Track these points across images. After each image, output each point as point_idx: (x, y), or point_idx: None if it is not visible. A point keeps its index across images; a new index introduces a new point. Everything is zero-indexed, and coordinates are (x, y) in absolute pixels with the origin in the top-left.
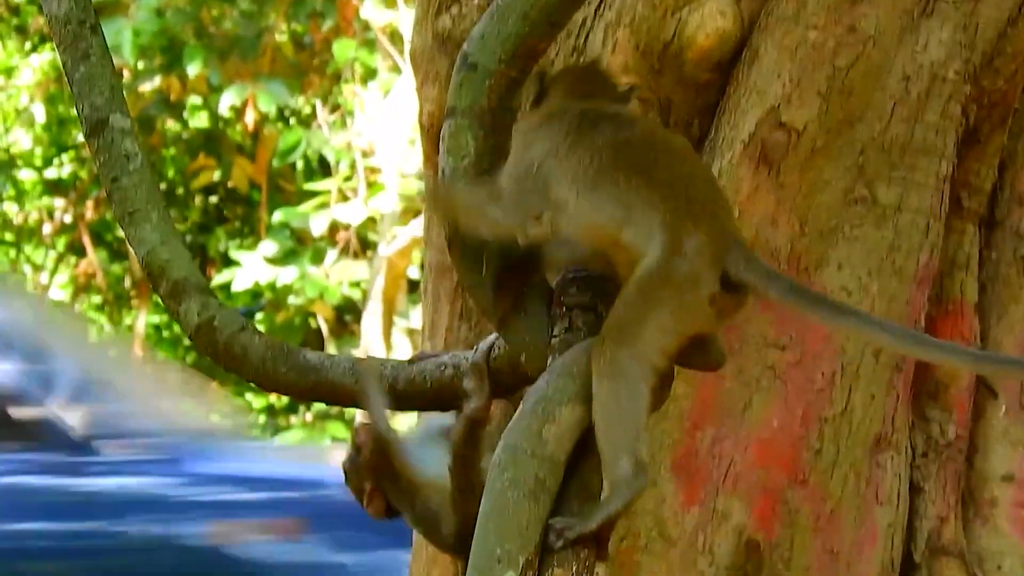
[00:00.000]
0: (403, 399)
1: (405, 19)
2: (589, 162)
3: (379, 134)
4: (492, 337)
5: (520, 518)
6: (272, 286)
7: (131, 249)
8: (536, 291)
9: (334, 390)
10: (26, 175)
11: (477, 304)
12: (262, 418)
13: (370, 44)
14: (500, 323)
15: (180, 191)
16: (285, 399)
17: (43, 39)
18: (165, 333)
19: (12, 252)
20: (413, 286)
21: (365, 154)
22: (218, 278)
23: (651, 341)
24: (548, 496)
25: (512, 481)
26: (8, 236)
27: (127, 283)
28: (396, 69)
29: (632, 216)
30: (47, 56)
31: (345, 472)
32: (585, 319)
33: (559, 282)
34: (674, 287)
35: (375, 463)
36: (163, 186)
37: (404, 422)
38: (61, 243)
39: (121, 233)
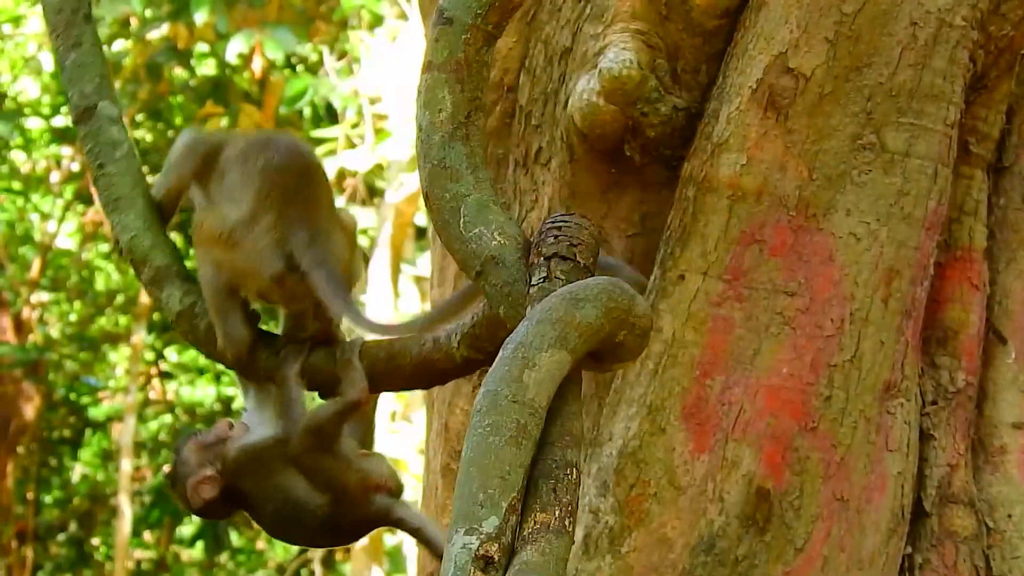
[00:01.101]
0: (382, 379)
1: None
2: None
3: (386, 81)
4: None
5: (502, 463)
6: None
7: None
8: (512, 242)
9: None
10: (34, 123)
11: (454, 257)
12: None
13: None
14: (477, 275)
15: None
16: None
17: None
18: None
19: (20, 200)
20: (421, 233)
21: (372, 101)
22: None
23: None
24: (530, 441)
25: (493, 427)
26: (16, 185)
27: None
28: (403, 16)
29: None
30: None
31: (178, 453)
32: (563, 268)
33: (536, 233)
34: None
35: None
36: (170, 134)
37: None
38: (69, 191)
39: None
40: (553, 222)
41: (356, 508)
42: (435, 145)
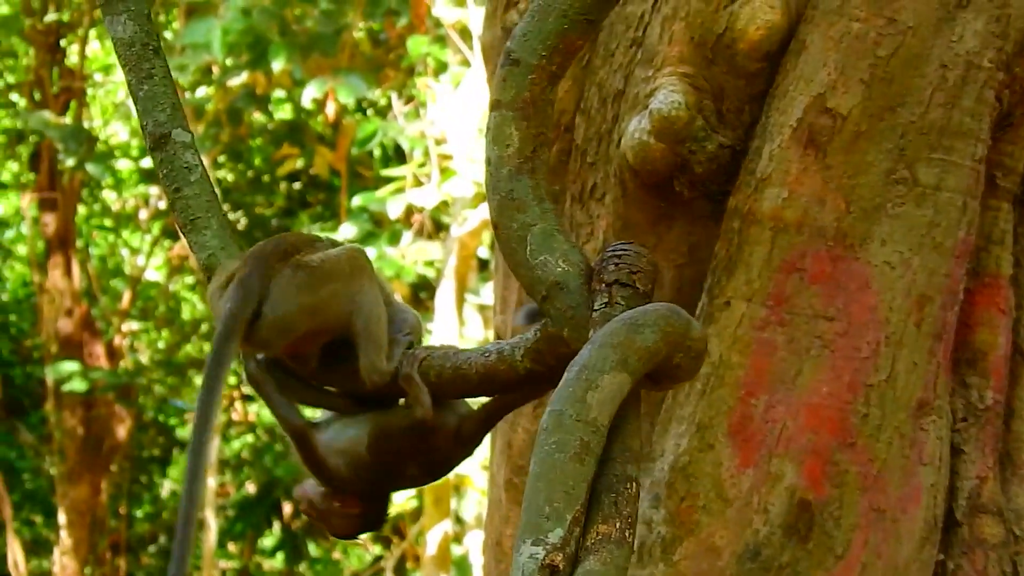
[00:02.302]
0: (447, 387)
1: (474, 16)
2: None
3: (450, 123)
4: (518, 338)
5: (566, 479)
6: None
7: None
8: (575, 269)
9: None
10: (123, 165)
11: (521, 282)
12: None
13: (441, 40)
14: (543, 300)
15: (266, 178)
16: None
17: None
18: None
19: (111, 236)
20: (483, 265)
21: (437, 142)
22: None
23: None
24: (592, 457)
25: (558, 444)
26: (107, 222)
27: None
28: (466, 63)
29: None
30: None
31: (308, 501)
32: (623, 294)
33: (598, 261)
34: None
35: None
36: (250, 174)
37: None
38: (156, 227)
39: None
40: (613, 251)
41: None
42: (503, 178)
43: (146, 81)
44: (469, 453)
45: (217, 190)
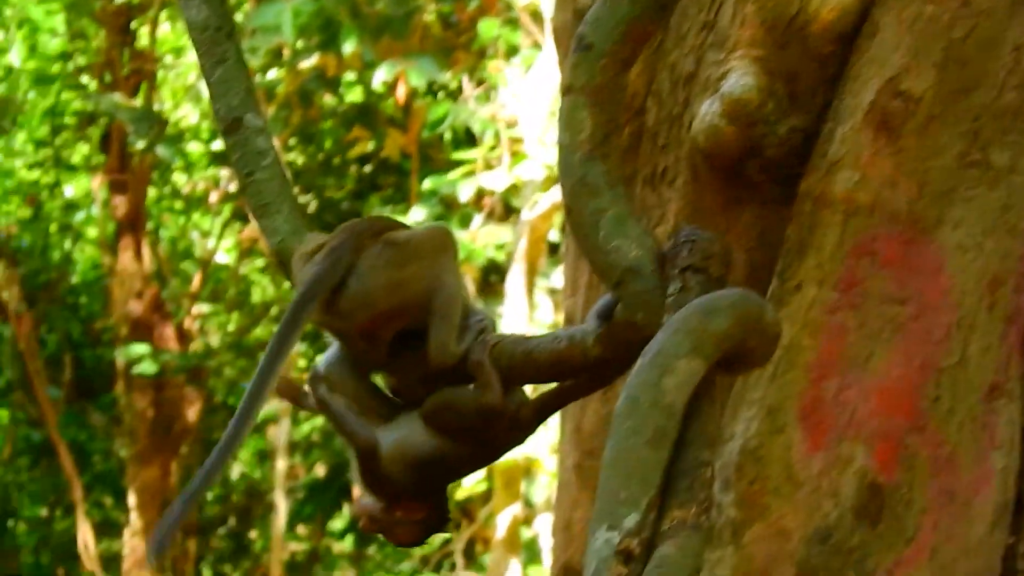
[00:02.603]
0: (518, 372)
1: None
2: None
3: (521, 106)
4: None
5: (642, 464)
6: None
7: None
8: (648, 254)
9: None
10: (194, 147)
11: (594, 268)
12: None
13: (513, 23)
14: (616, 285)
15: (336, 161)
16: None
17: None
18: None
19: (181, 219)
20: (554, 248)
21: (508, 125)
22: None
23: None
24: (668, 442)
25: (633, 429)
26: (178, 204)
27: None
28: (537, 46)
29: None
30: None
31: (369, 516)
32: (696, 279)
33: (670, 246)
34: None
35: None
36: (320, 156)
37: None
38: (227, 210)
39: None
40: (686, 236)
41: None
42: (576, 163)
43: (219, 65)
44: (522, 440)
45: (287, 173)
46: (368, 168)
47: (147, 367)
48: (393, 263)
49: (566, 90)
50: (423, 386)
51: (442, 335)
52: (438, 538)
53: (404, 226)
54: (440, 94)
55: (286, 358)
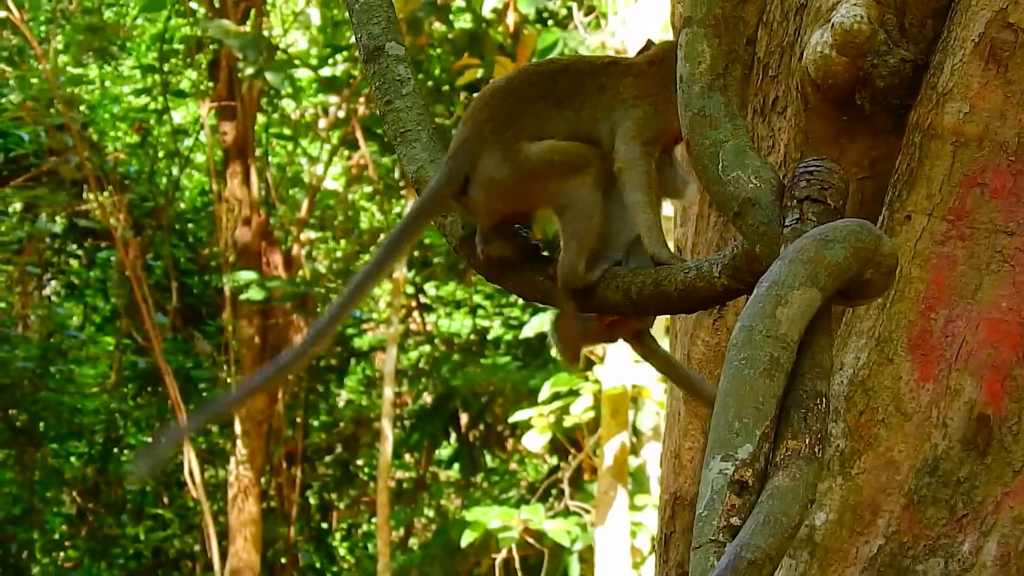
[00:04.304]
0: (647, 303)
1: None
2: None
3: (631, 34)
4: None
5: (756, 394)
6: None
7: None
8: (767, 185)
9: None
10: (303, 74)
11: (712, 198)
12: None
13: None
14: (735, 216)
15: (446, 88)
16: None
17: None
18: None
19: (290, 145)
20: None
21: (618, 52)
22: None
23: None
24: (782, 373)
25: (748, 360)
26: (286, 131)
27: (396, 174)
28: None
29: None
30: None
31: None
32: (814, 210)
33: (790, 177)
34: None
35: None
36: (430, 83)
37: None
38: (335, 137)
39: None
40: (805, 167)
41: None
42: (695, 95)
43: None
44: None
45: (419, 90)
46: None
47: (254, 294)
48: (510, 179)
49: (686, 22)
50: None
51: (571, 257)
52: (545, 467)
53: (547, 96)
54: (550, 22)
55: (400, 251)
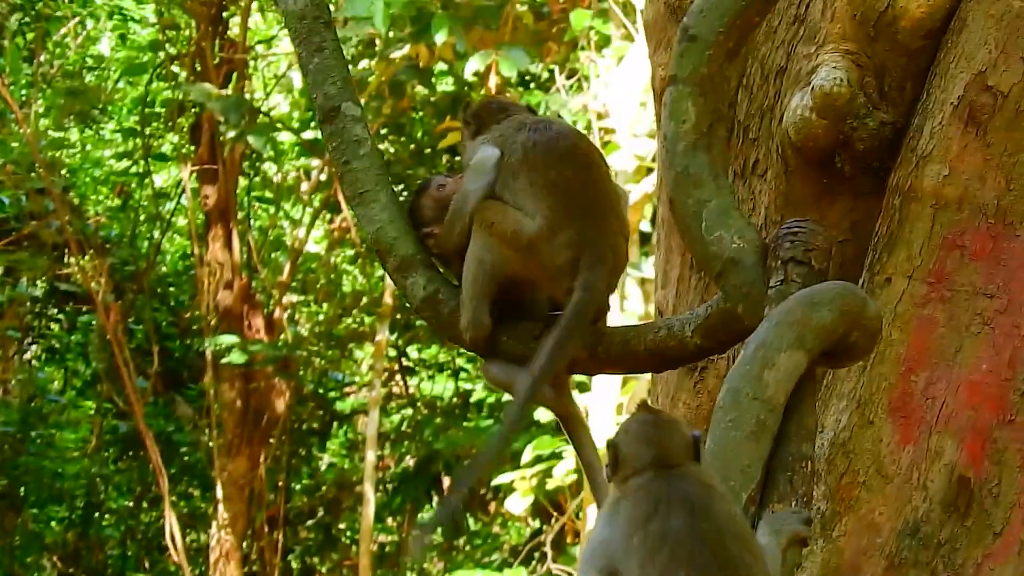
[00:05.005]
0: (617, 361)
1: None
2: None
3: (613, 98)
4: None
5: (742, 457)
6: None
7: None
8: (751, 245)
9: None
10: (285, 137)
11: (695, 258)
12: None
13: (604, 14)
14: (717, 276)
15: (428, 151)
16: None
17: None
18: None
19: (272, 208)
20: (644, 239)
21: (600, 116)
22: None
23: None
24: (768, 436)
25: (735, 422)
26: (268, 194)
27: None
28: (629, 37)
29: None
30: None
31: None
32: (799, 271)
33: (773, 237)
34: None
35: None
36: (412, 146)
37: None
38: (317, 200)
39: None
40: (789, 228)
41: None
42: (679, 153)
43: (317, 54)
44: None
45: (378, 149)
46: (459, 158)
47: (236, 357)
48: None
49: (671, 80)
50: None
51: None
52: (527, 530)
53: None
54: (532, 85)
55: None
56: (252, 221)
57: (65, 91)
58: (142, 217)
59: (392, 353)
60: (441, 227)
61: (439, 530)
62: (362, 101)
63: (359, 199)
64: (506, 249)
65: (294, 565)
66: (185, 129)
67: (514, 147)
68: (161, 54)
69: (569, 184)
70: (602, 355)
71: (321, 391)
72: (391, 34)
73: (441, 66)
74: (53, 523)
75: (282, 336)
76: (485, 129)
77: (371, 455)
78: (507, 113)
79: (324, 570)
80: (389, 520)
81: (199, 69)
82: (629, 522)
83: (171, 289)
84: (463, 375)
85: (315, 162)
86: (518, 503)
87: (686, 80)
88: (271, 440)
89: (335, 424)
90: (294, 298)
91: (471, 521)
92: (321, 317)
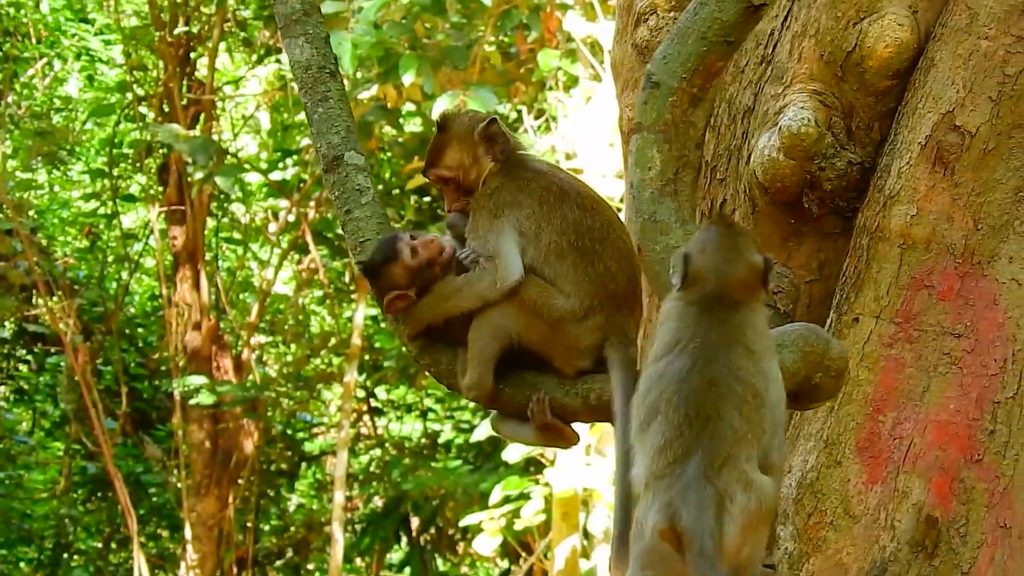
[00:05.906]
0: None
1: (605, 31)
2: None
3: (581, 138)
4: None
5: None
6: None
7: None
8: None
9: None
10: (253, 178)
11: (661, 300)
12: None
13: (572, 54)
14: None
15: (396, 192)
16: None
17: (268, 52)
18: (383, 324)
19: (240, 250)
20: None
21: (568, 156)
22: None
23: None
24: None
25: None
26: (236, 235)
27: (347, 278)
28: (596, 78)
29: None
30: (272, 67)
31: (385, 253)
32: (785, 305)
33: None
34: None
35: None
36: (380, 187)
37: None
38: (285, 241)
39: (341, 231)
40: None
41: None
42: (646, 200)
43: (321, 104)
44: None
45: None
46: (427, 199)
47: (205, 398)
48: None
49: (635, 128)
50: None
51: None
52: (496, 570)
53: None
54: None
55: None
56: (220, 262)
57: (33, 132)
58: (110, 258)
59: (360, 394)
60: (427, 296)
61: (407, 571)
62: None
63: (360, 248)
64: (533, 321)
65: None
66: (153, 170)
67: (559, 223)
68: (129, 95)
69: (615, 277)
70: (594, 403)
71: (290, 432)
72: (359, 75)
73: (409, 107)
74: (23, 564)
75: (250, 377)
76: (499, 165)
77: (339, 496)
78: (510, 141)
79: None
80: (358, 560)
81: (167, 110)
82: (652, 353)
83: (139, 330)
84: (431, 415)
85: (283, 203)
86: (487, 544)
87: (650, 127)
88: (240, 481)
89: (304, 465)
90: (262, 339)
91: (440, 561)
92: (289, 358)
